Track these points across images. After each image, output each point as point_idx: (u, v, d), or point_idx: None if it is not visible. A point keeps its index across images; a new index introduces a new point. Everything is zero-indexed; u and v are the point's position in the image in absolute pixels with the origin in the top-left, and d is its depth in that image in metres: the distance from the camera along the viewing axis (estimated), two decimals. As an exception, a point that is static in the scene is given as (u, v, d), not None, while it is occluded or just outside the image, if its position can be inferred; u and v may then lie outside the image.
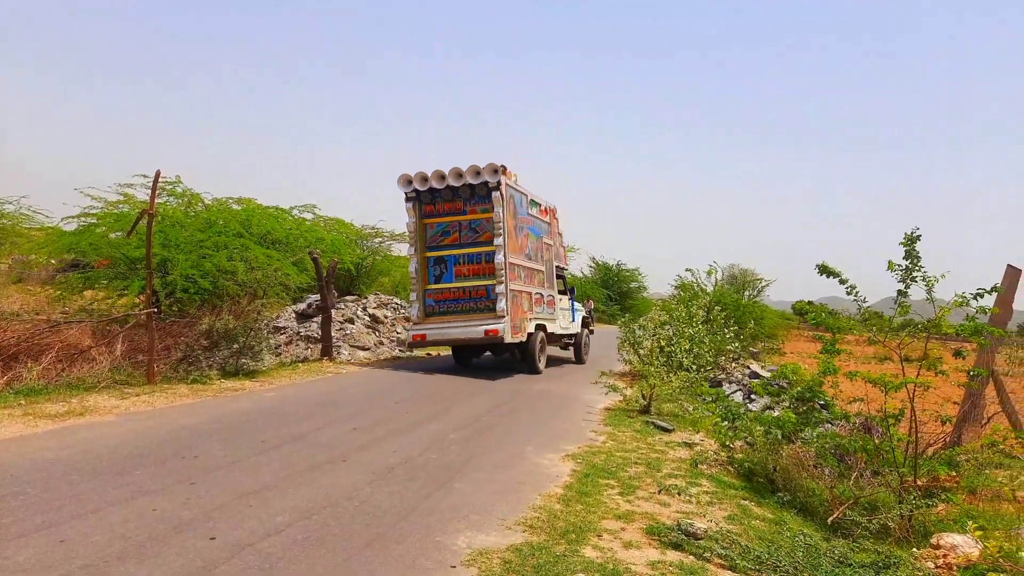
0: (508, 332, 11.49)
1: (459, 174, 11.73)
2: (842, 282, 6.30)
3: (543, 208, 13.92)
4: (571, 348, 15.78)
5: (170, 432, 6.35)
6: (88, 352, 9.17)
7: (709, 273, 20.67)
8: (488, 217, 11.83)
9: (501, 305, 11.57)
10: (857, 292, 6.27)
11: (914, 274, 5.98)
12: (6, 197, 18.23)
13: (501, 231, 11.64)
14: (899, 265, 6.04)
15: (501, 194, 11.63)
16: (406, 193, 12.14)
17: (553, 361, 14.94)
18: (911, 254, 5.99)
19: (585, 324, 16.35)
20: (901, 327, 6.22)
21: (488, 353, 14.06)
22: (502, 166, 11.68)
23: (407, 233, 12.53)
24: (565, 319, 14.86)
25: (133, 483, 4.70)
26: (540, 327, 13.04)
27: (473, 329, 11.63)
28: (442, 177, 11.82)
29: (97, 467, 5.05)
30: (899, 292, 6.13)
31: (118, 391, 8.19)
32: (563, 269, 15.35)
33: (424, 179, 11.92)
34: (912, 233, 5.99)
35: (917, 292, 6.01)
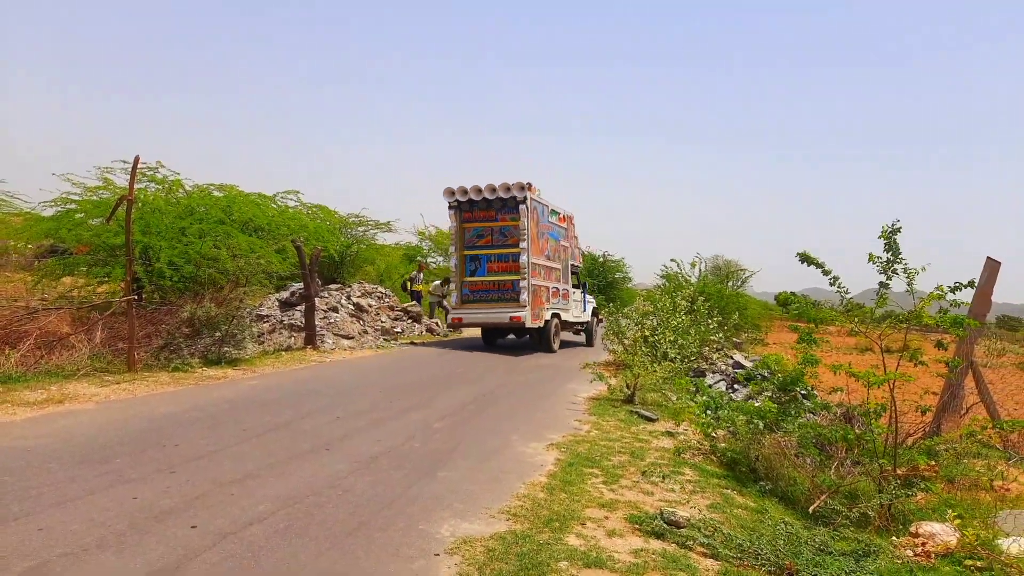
0: (528, 318, 13.95)
1: (493, 189, 14.06)
2: (825, 272, 6.31)
3: (561, 216, 16.39)
4: (583, 334, 18.40)
5: (150, 420, 6.29)
6: (67, 339, 9.05)
7: (693, 264, 20.90)
8: (515, 225, 14.21)
9: (523, 297, 13.98)
10: (840, 283, 6.29)
11: (895, 266, 6.02)
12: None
13: (525, 237, 14.03)
14: (879, 257, 6.08)
15: (527, 206, 13.96)
16: (449, 203, 14.50)
17: (567, 344, 17.26)
18: (891, 246, 6.03)
19: (595, 313, 18.92)
20: (882, 318, 6.27)
21: (511, 336, 16.76)
22: (528, 183, 13.90)
23: (450, 235, 15.20)
24: (578, 309, 17.40)
25: (113, 471, 4.66)
26: (555, 315, 15.52)
27: (500, 315, 14.16)
28: (479, 191, 14.20)
29: (76, 455, 4.99)
30: (881, 284, 6.17)
31: (98, 379, 8.09)
32: (577, 267, 17.68)
33: (464, 192, 14.30)
34: (893, 225, 6.03)
35: (902, 284, 6.05)
